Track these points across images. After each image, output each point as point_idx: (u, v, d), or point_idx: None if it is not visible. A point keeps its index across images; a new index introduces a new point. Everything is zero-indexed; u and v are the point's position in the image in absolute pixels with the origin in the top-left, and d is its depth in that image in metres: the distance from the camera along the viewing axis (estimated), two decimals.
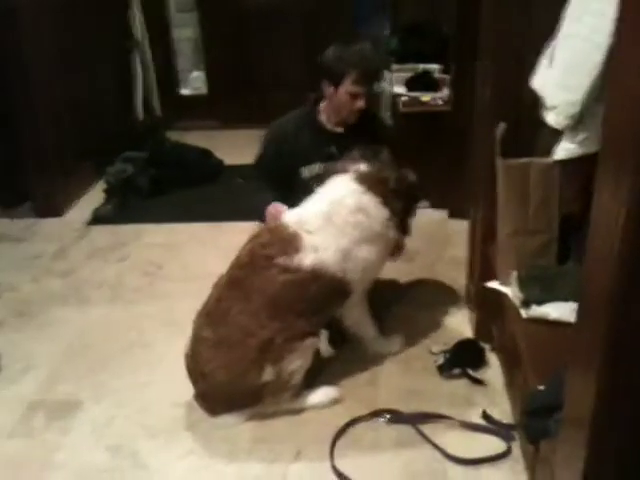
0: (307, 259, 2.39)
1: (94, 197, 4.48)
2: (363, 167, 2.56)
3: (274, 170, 2.92)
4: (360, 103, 2.77)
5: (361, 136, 2.80)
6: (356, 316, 2.66)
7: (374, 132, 2.89)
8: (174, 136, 5.23)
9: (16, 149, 4.16)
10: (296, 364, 2.39)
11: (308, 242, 2.40)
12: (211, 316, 2.42)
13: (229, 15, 5.45)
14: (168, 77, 5.74)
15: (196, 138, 5.25)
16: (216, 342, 2.37)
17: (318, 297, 2.42)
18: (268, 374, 2.36)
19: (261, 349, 2.34)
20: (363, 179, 2.52)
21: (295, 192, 2.76)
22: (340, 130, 2.88)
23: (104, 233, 4.03)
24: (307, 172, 2.87)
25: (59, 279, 3.53)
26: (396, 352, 2.79)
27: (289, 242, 2.41)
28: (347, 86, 2.73)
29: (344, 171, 2.58)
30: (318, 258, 2.39)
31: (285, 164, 2.86)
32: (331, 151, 2.85)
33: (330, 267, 2.41)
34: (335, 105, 2.82)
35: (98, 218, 4.18)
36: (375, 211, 2.51)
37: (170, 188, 4.56)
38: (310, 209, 2.51)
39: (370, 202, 2.50)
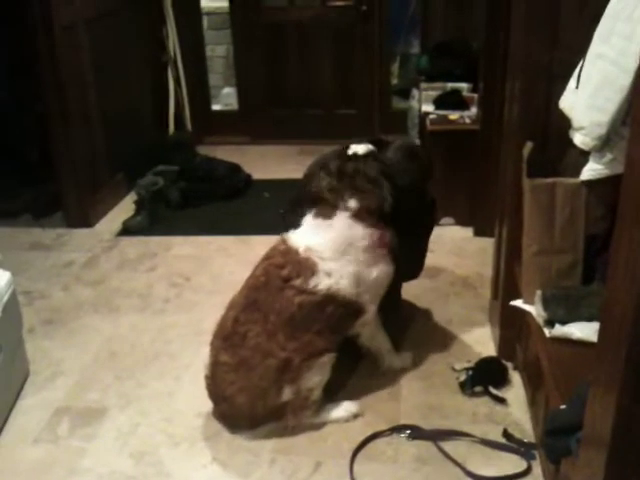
0: (322, 283, 2.41)
1: (125, 209, 4.55)
2: (351, 203, 2.50)
3: None
4: None
5: None
6: (370, 333, 2.67)
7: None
8: (204, 151, 5.30)
9: (49, 160, 4.26)
10: (314, 381, 2.42)
11: (322, 267, 2.43)
12: (228, 340, 2.44)
13: (261, 33, 5.52)
14: (200, 93, 5.82)
15: (226, 153, 5.31)
16: (235, 366, 2.41)
17: (334, 317, 2.45)
18: (287, 394, 2.39)
19: (280, 370, 2.37)
20: (357, 214, 2.49)
21: None
22: None
23: (134, 244, 4.09)
24: None
25: (89, 288, 3.60)
26: (408, 367, 2.80)
27: (304, 265, 2.43)
28: None
29: (334, 209, 2.52)
30: (332, 283, 2.42)
31: None
32: None
33: (344, 291, 2.45)
34: None
35: (128, 229, 4.25)
36: (377, 235, 2.51)
37: (199, 201, 4.61)
38: (321, 240, 2.49)
39: (371, 234, 2.50)
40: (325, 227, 2.53)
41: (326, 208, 2.54)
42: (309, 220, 2.57)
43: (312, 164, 2.84)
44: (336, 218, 2.52)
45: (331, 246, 2.47)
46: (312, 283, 2.41)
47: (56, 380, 2.85)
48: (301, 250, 2.47)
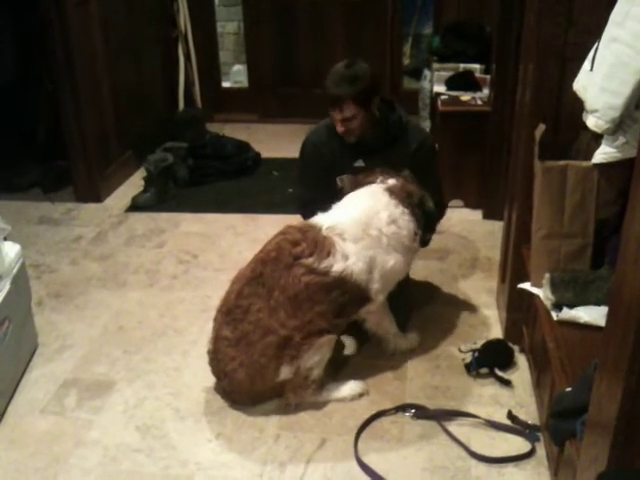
0: (337, 265, 2.41)
1: (134, 185, 4.55)
2: (391, 180, 2.59)
3: (317, 180, 2.89)
4: (338, 127, 2.73)
5: (388, 150, 2.80)
6: (376, 320, 2.67)
7: (403, 141, 2.83)
8: (214, 128, 5.28)
9: (59, 135, 4.26)
10: (313, 360, 2.42)
11: (341, 249, 2.43)
12: (231, 314, 2.44)
13: (272, 10, 5.47)
14: (210, 70, 5.80)
15: (235, 131, 5.31)
16: (236, 341, 2.41)
17: (339, 301, 2.45)
18: (286, 372, 2.40)
19: (279, 347, 2.37)
20: (393, 191, 2.56)
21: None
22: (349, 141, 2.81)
23: (142, 220, 4.10)
24: (340, 183, 2.84)
25: (97, 263, 3.62)
26: (415, 349, 2.80)
27: (321, 245, 2.42)
28: (329, 107, 2.73)
29: (372, 182, 2.60)
30: (347, 266, 2.42)
31: (324, 169, 2.85)
32: (358, 165, 2.84)
33: (356, 276, 2.44)
34: None
35: (137, 205, 4.25)
36: (405, 223, 2.55)
37: (208, 179, 4.61)
38: (346, 217, 2.52)
39: (401, 214, 2.54)
40: (355, 200, 2.56)
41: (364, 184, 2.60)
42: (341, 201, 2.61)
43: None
44: (370, 188, 2.57)
45: (357, 218, 2.48)
46: (325, 264, 2.40)
47: (64, 353, 2.87)
48: (323, 228, 2.46)
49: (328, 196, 2.68)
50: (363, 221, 2.49)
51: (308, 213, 2.67)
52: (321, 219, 2.53)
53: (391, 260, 2.52)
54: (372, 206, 2.53)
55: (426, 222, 2.65)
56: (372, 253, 2.47)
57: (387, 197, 2.55)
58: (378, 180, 2.60)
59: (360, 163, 2.84)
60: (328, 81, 2.72)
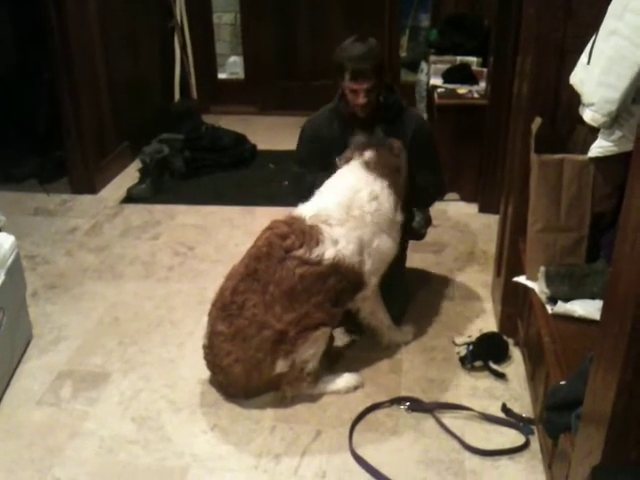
0: (328, 252, 2.41)
1: (129, 176, 4.54)
2: (367, 154, 2.60)
3: (314, 161, 2.89)
4: (359, 99, 2.73)
5: (387, 130, 2.80)
6: (371, 308, 2.67)
7: (401, 123, 2.84)
8: (210, 120, 5.26)
9: (55, 126, 4.25)
10: (309, 353, 2.42)
11: (328, 235, 2.43)
12: (226, 309, 2.44)
13: (269, 1, 5.46)
14: (206, 61, 5.77)
15: (231, 123, 5.29)
16: (231, 336, 2.41)
17: (334, 289, 2.45)
18: (281, 366, 2.40)
19: (275, 342, 2.37)
20: (369, 164, 2.57)
21: None
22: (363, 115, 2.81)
23: (138, 212, 4.09)
24: (338, 163, 2.86)
25: (92, 254, 3.61)
26: (409, 342, 2.81)
27: (309, 235, 2.42)
28: (346, 81, 2.71)
29: (349, 159, 2.62)
30: (338, 251, 2.42)
31: (322, 154, 2.85)
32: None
33: (348, 259, 2.44)
34: (346, 99, 2.80)
35: (132, 197, 4.24)
36: (386, 197, 2.55)
37: (204, 171, 4.60)
38: (328, 202, 2.52)
39: (381, 188, 2.55)
40: (334, 182, 2.57)
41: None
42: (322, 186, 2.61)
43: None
44: (349, 166, 2.59)
45: (339, 201, 2.49)
46: (316, 253, 2.40)
47: (59, 344, 2.87)
48: (307, 218, 2.47)
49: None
50: (345, 203, 2.50)
51: (303, 190, 2.71)
52: (304, 209, 2.53)
53: (376, 240, 2.53)
54: (352, 186, 2.54)
55: (410, 188, 2.67)
56: (359, 233, 2.48)
57: (365, 173, 2.56)
58: (356, 155, 2.62)
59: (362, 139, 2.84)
60: (348, 56, 2.69)
